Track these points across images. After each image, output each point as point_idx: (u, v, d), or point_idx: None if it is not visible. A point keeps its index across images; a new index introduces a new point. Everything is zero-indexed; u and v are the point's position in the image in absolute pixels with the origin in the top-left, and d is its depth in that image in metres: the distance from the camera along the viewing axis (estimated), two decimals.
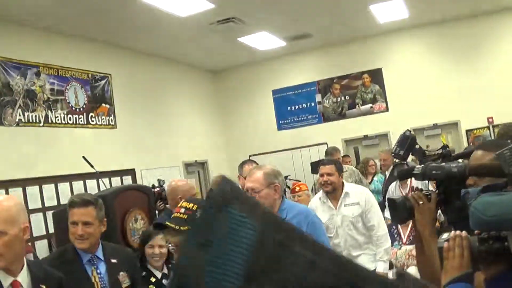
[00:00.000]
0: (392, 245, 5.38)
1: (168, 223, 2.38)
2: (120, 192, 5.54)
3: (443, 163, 2.73)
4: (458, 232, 2.17)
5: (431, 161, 2.74)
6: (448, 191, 2.68)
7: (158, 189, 7.68)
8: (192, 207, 2.39)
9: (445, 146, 3.06)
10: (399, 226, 5.85)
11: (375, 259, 4.98)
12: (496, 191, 2.01)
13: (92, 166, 6.50)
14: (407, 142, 2.76)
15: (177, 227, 2.32)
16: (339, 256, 0.80)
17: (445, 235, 2.21)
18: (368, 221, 4.92)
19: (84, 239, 3.17)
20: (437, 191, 2.71)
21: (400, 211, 2.68)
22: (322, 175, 4.95)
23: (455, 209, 2.59)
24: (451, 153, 2.82)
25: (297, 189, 6.06)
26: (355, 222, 4.84)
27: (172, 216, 2.44)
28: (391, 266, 5.23)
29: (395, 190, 6.86)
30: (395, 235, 5.79)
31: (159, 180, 8.19)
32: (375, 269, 4.83)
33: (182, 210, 2.42)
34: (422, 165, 2.78)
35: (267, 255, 0.78)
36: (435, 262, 2.34)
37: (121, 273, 3.33)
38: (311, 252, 0.77)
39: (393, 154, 2.74)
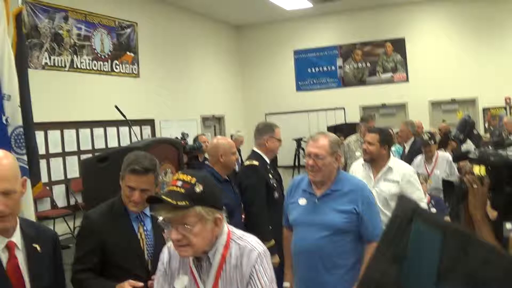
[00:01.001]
0: None
1: (164, 197, 2.11)
2: (153, 145, 5.54)
3: (500, 150, 2.80)
4: None
5: (486, 147, 2.80)
6: (500, 177, 2.74)
7: (182, 142, 7.69)
8: (190, 180, 2.19)
9: (499, 134, 3.12)
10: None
11: None
12: None
13: (124, 116, 6.49)
14: (466, 127, 2.81)
15: (174, 202, 2.08)
16: (506, 254, 0.97)
17: (509, 225, 2.24)
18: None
19: (138, 203, 3.15)
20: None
21: (455, 193, 2.74)
22: (364, 142, 4.84)
23: (504, 195, 2.66)
24: (504, 141, 2.88)
25: None
26: (389, 200, 4.52)
27: (168, 189, 2.22)
28: None
29: (420, 165, 6.87)
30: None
31: (183, 134, 8.18)
32: None
33: (179, 183, 2.17)
34: (479, 150, 2.85)
35: (451, 257, 0.95)
36: None
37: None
38: (485, 251, 0.95)
39: (453, 137, 2.79)
